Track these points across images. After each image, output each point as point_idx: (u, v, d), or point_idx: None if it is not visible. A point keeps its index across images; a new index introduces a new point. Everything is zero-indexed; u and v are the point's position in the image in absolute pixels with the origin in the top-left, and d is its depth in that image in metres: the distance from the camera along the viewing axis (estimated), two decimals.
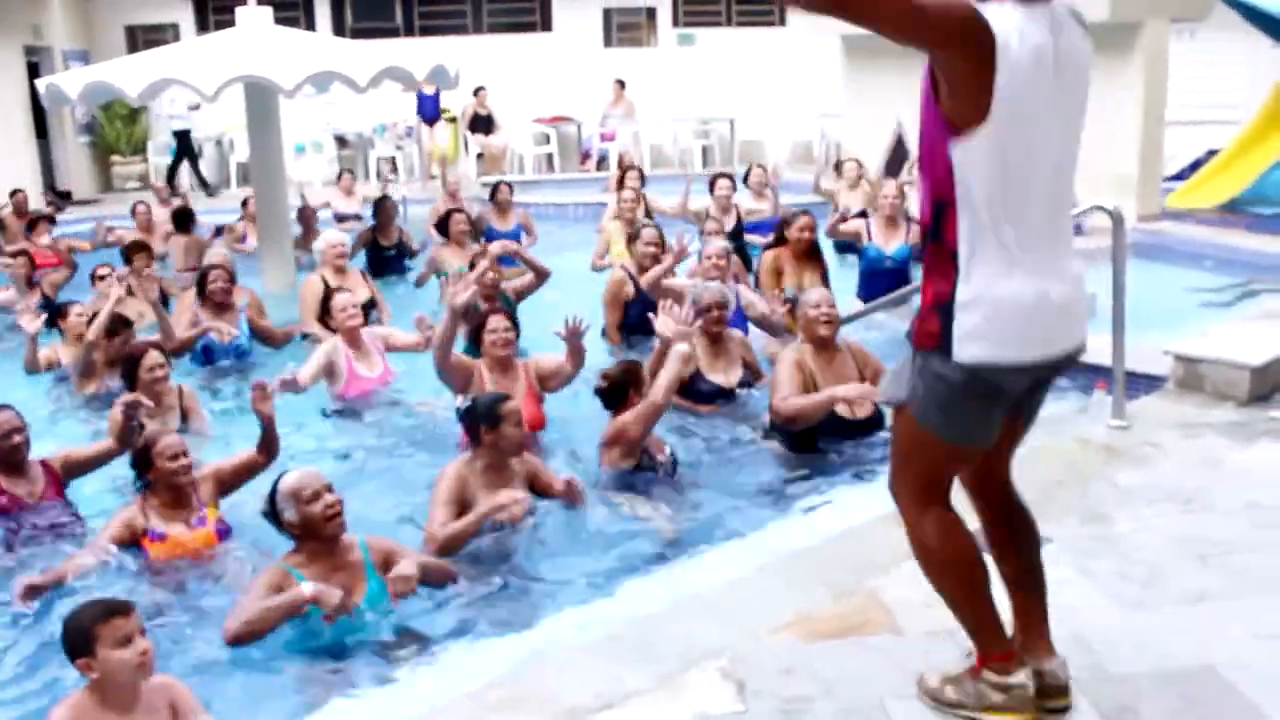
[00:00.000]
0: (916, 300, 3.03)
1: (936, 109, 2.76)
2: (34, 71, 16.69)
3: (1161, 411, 5.77)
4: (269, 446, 5.25)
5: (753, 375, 6.60)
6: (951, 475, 3.07)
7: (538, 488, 5.19)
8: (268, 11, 10.17)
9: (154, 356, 6.33)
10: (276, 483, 4.31)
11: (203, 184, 17.49)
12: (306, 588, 4.05)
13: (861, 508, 4.64)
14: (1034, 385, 3.00)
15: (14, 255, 10.04)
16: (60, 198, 16.92)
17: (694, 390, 6.37)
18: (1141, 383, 5.97)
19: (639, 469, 5.46)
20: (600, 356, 7.17)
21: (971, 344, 2.80)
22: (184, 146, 17.52)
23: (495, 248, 7.92)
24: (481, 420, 5.03)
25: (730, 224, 10.03)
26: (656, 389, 5.42)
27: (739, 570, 4.22)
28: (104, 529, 4.94)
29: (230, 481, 5.21)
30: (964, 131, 2.70)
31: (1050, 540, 4.18)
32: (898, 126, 13.56)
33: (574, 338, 6.07)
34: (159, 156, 18.35)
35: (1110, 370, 5.52)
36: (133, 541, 4.83)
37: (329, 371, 6.97)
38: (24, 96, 16.23)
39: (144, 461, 4.92)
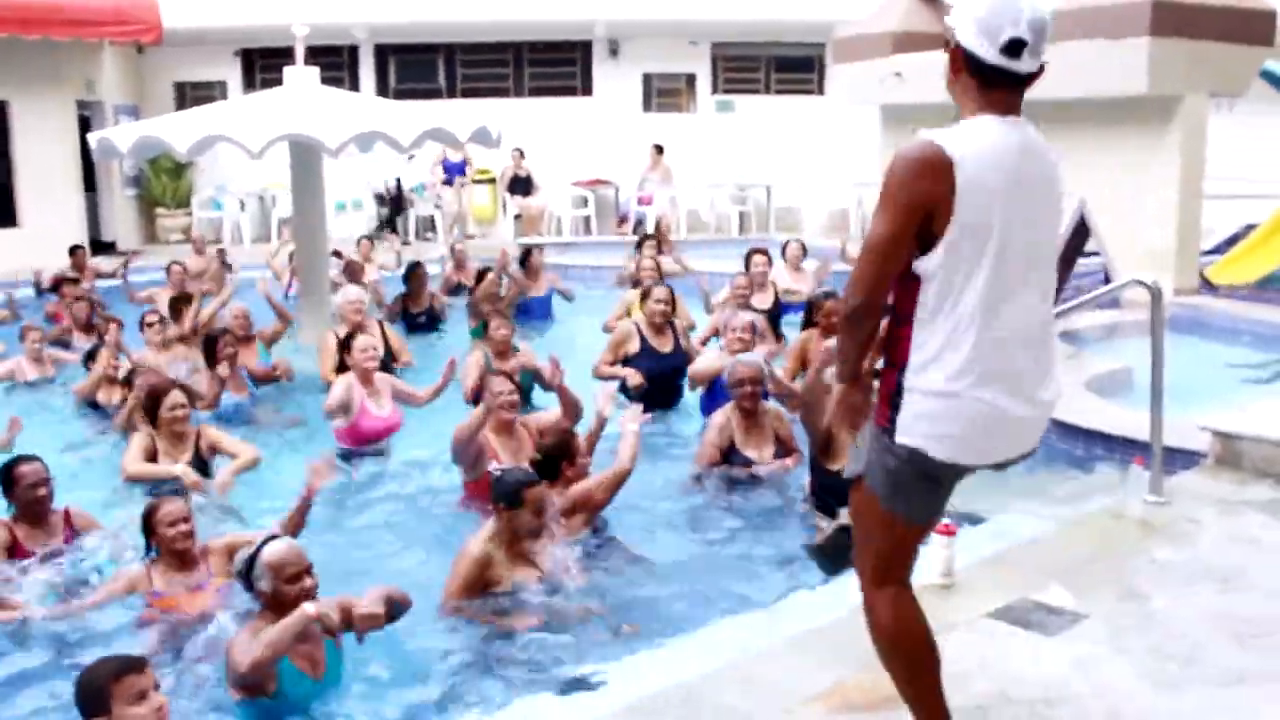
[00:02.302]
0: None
1: None
2: (85, 125, 17.07)
3: (1199, 488, 5.71)
4: (295, 526, 5.22)
5: (785, 450, 6.54)
6: (909, 555, 3.13)
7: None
8: (314, 71, 10.35)
9: (175, 396, 6.52)
10: (260, 548, 4.22)
11: (394, 231, 17.74)
12: (309, 606, 3.99)
13: None
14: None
15: (75, 299, 10.29)
16: (106, 249, 17.21)
17: (727, 464, 6.40)
18: (1179, 458, 5.91)
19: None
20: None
21: (915, 436, 2.87)
22: (394, 197, 17.77)
23: (522, 357, 8.01)
24: (504, 499, 5.00)
25: (767, 302, 9.89)
26: (624, 457, 5.56)
27: (772, 639, 4.19)
28: (107, 583, 5.01)
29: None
30: (919, 254, 2.79)
31: (1086, 616, 4.16)
32: None
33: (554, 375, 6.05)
34: (203, 210, 18.64)
35: (1148, 446, 5.48)
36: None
37: (344, 407, 7.26)
38: (75, 150, 16.57)
39: (147, 528, 4.96)
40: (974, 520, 5.29)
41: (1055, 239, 2.97)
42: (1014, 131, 2.80)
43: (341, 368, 7.87)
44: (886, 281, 2.83)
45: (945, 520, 4.52)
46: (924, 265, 2.79)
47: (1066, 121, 9.20)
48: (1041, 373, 2.92)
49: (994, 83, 2.78)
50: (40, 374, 9.30)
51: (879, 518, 3.04)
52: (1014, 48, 2.73)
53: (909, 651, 3.10)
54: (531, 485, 5.04)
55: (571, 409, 6.20)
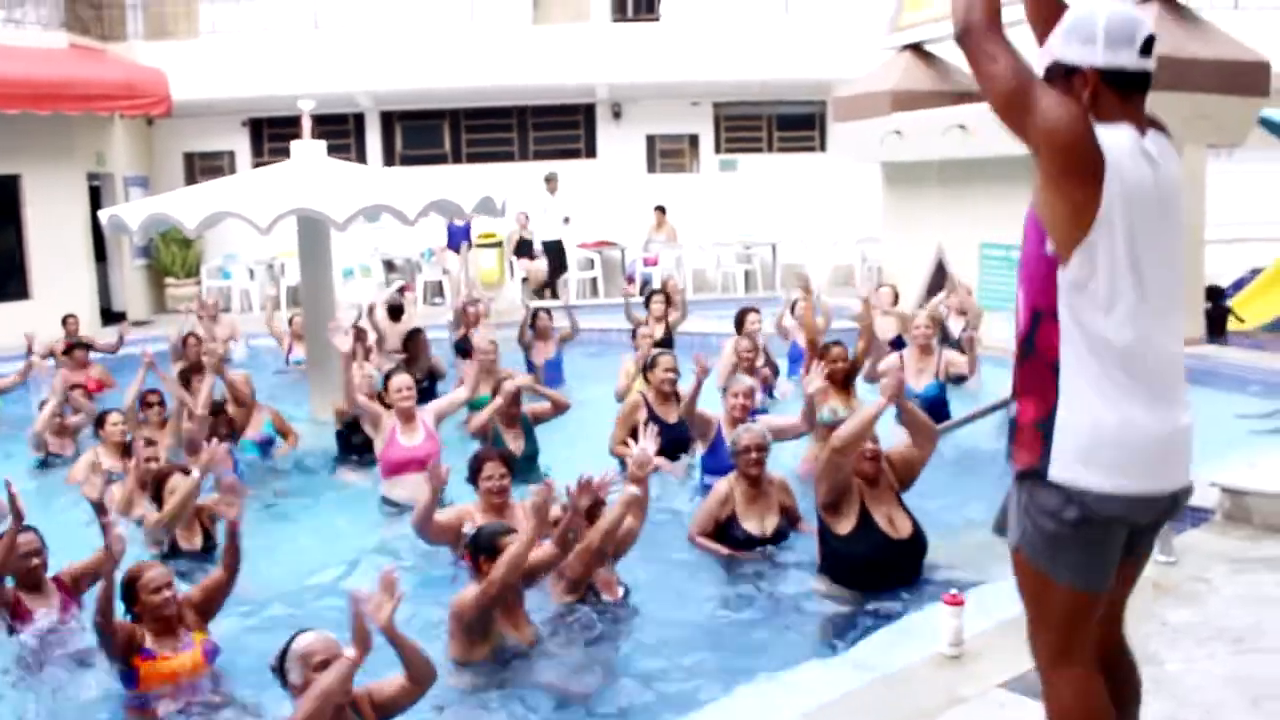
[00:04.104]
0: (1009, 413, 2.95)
1: (1038, 219, 2.78)
2: (95, 196, 17.28)
3: (1209, 545, 5.70)
4: (231, 562, 5.23)
5: (791, 522, 6.49)
6: (1085, 628, 2.90)
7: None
8: (321, 145, 10.47)
9: (177, 479, 6.60)
10: (290, 641, 4.19)
11: (547, 291, 18.10)
12: (349, 651, 3.94)
13: (908, 649, 4.60)
14: (1146, 524, 2.90)
15: (71, 387, 10.25)
16: (117, 319, 17.37)
17: (728, 536, 6.34)
18: (1187, 515, 5.89)
19: (583, 602, 5.46)
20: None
21: (1074, 466, 2.73)
22: (554, 255, 18.21)
23: (509, 385, 8.19)
24: (482, 552, 5.06)
25: (760, 359, 9.97)
26: (594, 531, 5.41)
27: (781, 715, 4.16)
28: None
29: (203, 604, 5.21)
30: (1067, 244, 2.69)
31: None
32: (938, 251, 13.69)
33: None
34: (212, 279, 18.78)
35: None
36: (127, 653, 4.92)
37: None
38: (86, 221, 16.72)
39: (129, 595, 4.99)
40: (982, 587, 5.26)
41: (1181, 252, 2.90)
42: (1152, 142, 2.78)
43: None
44: (1006, 46, 2.66)
45: (953, 590, 4.53)
46: (1069, 262, 2.69)
47: None
48: (1184, 397, 2.84)
49: (1132, 91, 2.77)
50: (59, 449, 9.35)
51: (1044, 588, 2.86)
52: (1149, 45, 2.76)
53: None
54: (507, 533, 5.13)
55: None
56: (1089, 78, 2.75)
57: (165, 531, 6.64)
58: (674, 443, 7.80)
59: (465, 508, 6.23)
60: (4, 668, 5.34)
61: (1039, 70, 2.80)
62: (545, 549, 5.28)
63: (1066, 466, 2.74)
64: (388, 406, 7.90)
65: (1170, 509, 2.89)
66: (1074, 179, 2.66)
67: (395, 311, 12.92)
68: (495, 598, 4.94)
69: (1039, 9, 3.00)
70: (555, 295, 17.70)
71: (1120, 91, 2.76)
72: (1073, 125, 2.64)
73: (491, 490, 6.18)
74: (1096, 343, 2.72)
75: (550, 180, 18.54)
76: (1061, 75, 2.79)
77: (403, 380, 7.89)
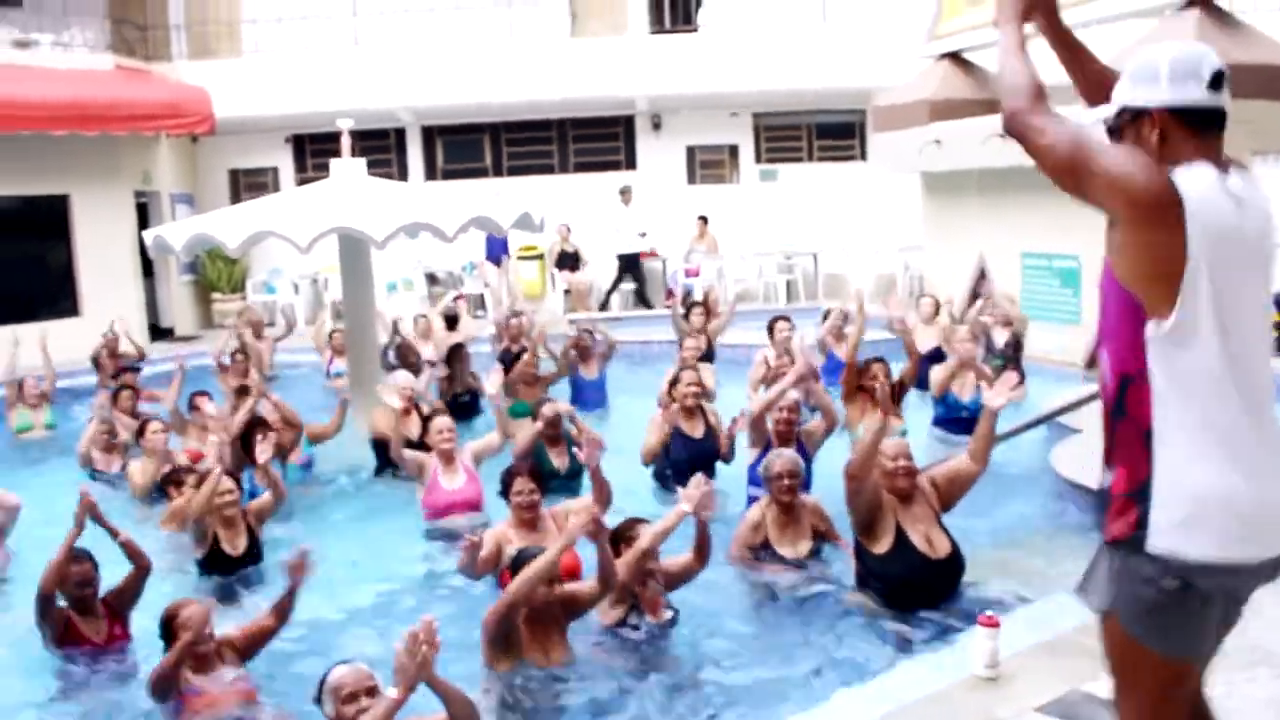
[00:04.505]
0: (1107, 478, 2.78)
1: (1116, 277, 2.64)
2: (142, 213, 17.54)
3: None
4: (283, 611, 5.26)
5: (825, 540, 6.47)
6: (1179, 698, 2.76)
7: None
8: (361, 163, 10.55)
9: (226, 482, 6.80)
10: (328, 672, 4.24)
11: (643, 303, 18.44)
12: (391, 691, 3.90)
13: (943, 671, 4.57)
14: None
15: (122, 387, 10.53)
16: (165, 335, 17.64)
17: (759, 560, 6.35)
18: None
19: (625, 624, 5.46)
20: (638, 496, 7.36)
21: (1173, 535, 2.57)
22: (629, 269, 18.52)
23: (548, 410, 8.27)
24: (517, 573, 5.12)
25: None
26: (646, 534, 5.47)
27: None
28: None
29: (245, 646, 5.23)
30: (1160, 299, 2.55)
31: None
32: (980, 260, 13.60)
33: (589, 451, 6.02)
34: (256, 294, 19.01)
35: None
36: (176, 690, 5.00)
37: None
38: (133, 238, 16.95)
39: (168, 632, 5.04)
40: (1019, 608, 5.22)
41: (1270, 302, 2.73)
42: (1236, 180, 2.62)
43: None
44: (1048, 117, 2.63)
45: (988, 611, 4.49)
46: (1159, 320, 2.55)
47: None
48: (1269, 435, 2.64)
49: (1205, 128, 2.64)
50: (106, 466, 9.49)
51: (1138, 656, 2.70)
52: (1218, 80, 2.64)
53: None
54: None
55: (603, 492, 6.20)
56: (1156, 119, 2.64)
57: (197, 528, 6.81)
58: (700, 457, 7.79)
59: (500, 531, 6.27)
60: (53, 688, 5.46)
61: (1106, 118, 2.73)
62: (587, 583, 5.31)
63: (1166, 536, 2.59)
64: (427, 448, 7.86)
65: (1271, 575, 2.71)
66: (1153, 229, 2.51)
67: (451, 321, 13.33)
68: (514, 608, 4.98)
69: (1090, 84, 2.97)
70: (605, 308, 17.86)
71: (1191, 129, 2.63)
72: (1141, 172, 2.52)
73: (522, 505, 6.27)
74: (1192, 397, 2.57)
75: (625, 193, 18.67)
76: (1130, 121, 2.68)
77: (444, 422, 7.84)
